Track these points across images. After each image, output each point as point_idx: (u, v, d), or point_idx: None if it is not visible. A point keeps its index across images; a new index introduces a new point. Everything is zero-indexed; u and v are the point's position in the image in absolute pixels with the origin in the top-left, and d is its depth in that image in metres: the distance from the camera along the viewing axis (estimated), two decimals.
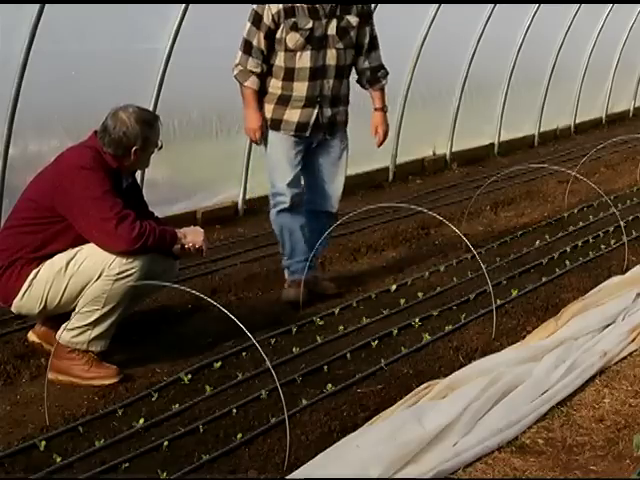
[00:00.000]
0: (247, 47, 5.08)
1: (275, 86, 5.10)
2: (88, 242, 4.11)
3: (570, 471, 3.49)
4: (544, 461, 3.54)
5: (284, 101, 5.10)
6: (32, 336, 4.47)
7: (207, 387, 4.08)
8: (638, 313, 4.97)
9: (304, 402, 3.92)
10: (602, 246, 6.45)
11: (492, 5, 9.50)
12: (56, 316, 4.26)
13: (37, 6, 5.44)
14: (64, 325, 4.10)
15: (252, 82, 5.11)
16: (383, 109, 5.42)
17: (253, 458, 3.49)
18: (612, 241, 6.53)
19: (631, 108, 13.76)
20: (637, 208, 7.60)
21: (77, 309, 4.07)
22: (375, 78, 5.34)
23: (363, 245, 6.53)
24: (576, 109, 12.05)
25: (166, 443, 3.57)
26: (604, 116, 12.94)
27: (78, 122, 5.90)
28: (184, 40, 6.49)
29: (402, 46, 8.69)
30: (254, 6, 5.05)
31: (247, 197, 7.48)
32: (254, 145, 7.34)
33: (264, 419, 3.78)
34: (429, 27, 8.73)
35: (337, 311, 5.12)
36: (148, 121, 4.24)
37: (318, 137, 5.22)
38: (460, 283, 5.65)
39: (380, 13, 7.93)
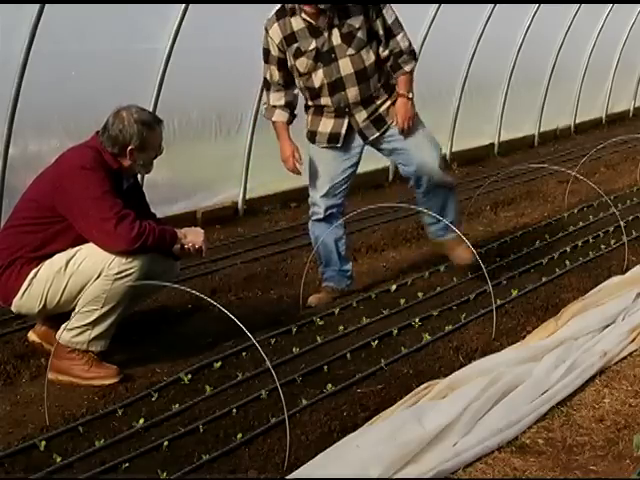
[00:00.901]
0: (265, 83, 5.13)
1: (308, 101, 5.13)
2: (88, 242, 4.12)
3: (570, 471, 3.49)
4: (544, 461, 3.54)
5: (319, 111, 5.11)
6: (32, 336, 4.47)
7: (207, 387, 4.08)
8: (638, 313, 4.97)
9: (304, 402, 3.92)
10: (602, 246, 6.45)
11: (492, 5, 9.50)
12: (56, 316, 4.26)
13: (37, 6, 5.44)
14: (64, 325, 4.10)
15: (278, 115, 5.14)
16: (405, 95, 5.12)
17: (253, 458, 3.49)
18: (612, 241, 6.53)
19: (631, 108, 13.77)
20: (637, 208, 7.60)
21: (77, 309, 4.08)
22: (396, 64, 5.10)
23: (363, 245, 6.54)
24: (576, 109, 12.05)
25: (166, 443, 3.56)
26: (604, 116, 12.94)
27: (78, 122, 5.91)
28: (184, 40, 6.49)
29: None
30: (263, 43, 5.05)
31: (247, 197, 7.49)
32: (254, 145, 7.40)
33: (264, 419, 3.78)
34: (429, 27, 8.74)
35: (337, 311, 5.12)
36: (147, 122, 4.23)
37: (362, 141, 5.16)
38: (460, 283, 5.64)
39: None
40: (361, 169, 8.32)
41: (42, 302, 4.15)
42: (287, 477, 3.31)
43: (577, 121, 12.18)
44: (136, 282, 4.04)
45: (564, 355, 4.37)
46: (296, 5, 4.85)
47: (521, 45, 10.29)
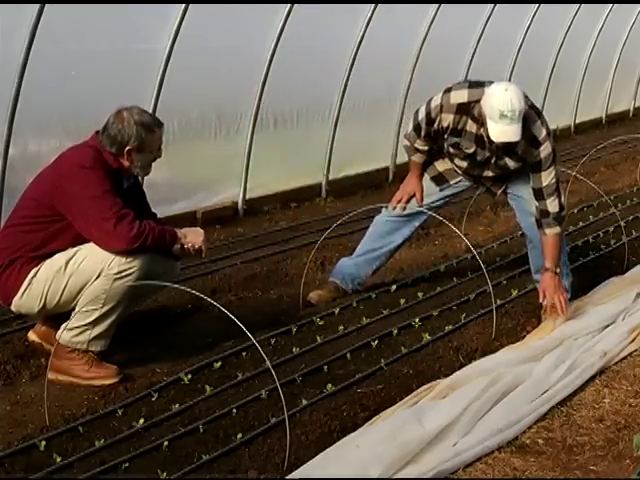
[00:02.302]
0: (418, 130, 5.07)
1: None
2: (88, 241, 4.11)
3: (570, 471, 3.49)
4: (544, 461, 3.54)
5: (449, 156, 5.15)
6: (32, 336, 4.47)
7: (207, 387, 4.08)
8: (638, 313, 4.98)
9: (304, 402, 3.92)
10: (602, 246, 6.45)
11: (492, 5, 9.50)
12: (56, 316, 4.26)
13: (37, 6, 5.43)
14: (64, 325, 4.10)
15: (417, 157, 5.20)
16: (552, 269, 4.86)
17: (253, 458, 3.49)
18: (612, 241, 6.53)
19: (631, 108, 13.77)
20: (637, 208, 7.60)
21: (77, 308, 4.07)
22: (539, 222, 4.95)
23: None
24: (576, 109, 12.05)
25: (166, 443, 3.56)
26: (604, 116, 12.94)
27: (78, 122, 5.91)
28: (184, 40, 6.49)
29: (402, 46, 8.70)
30: (432, 104, 4.95)
31: (247, 197, 7.48)
32: (254, 145, 7.39)
33: (264, 419, 3.78)
34: (429, 27, 8.73)
35: (337, 311, 5.11)
36: (147, 125, 4.21)
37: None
38: (460, 283, 5.65)
39: (379, 13, 7.95)
40: (361, 169, 8.44)
41: (42, 302, 4.15)
42: (287, 477, 3.31)
43: (577, 121, 12.18)
44: (136, 282, 4.04)
45: (564, 355, 4.38)
46: (484, 120, 4.67)
47: (521, 45, 10.28)
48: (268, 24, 7.20)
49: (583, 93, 11.95)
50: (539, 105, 10.98)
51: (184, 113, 6.94)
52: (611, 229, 6.83)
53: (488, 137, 4.70)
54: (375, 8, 7.90)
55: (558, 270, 4.88)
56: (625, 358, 4.53)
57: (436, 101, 4.93)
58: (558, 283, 4.87)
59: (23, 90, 5.57)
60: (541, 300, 4.91)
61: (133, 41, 6.55)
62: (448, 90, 4.91)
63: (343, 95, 8.07)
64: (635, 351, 4.59)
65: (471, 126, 4.83)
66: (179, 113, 6.86)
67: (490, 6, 9.50)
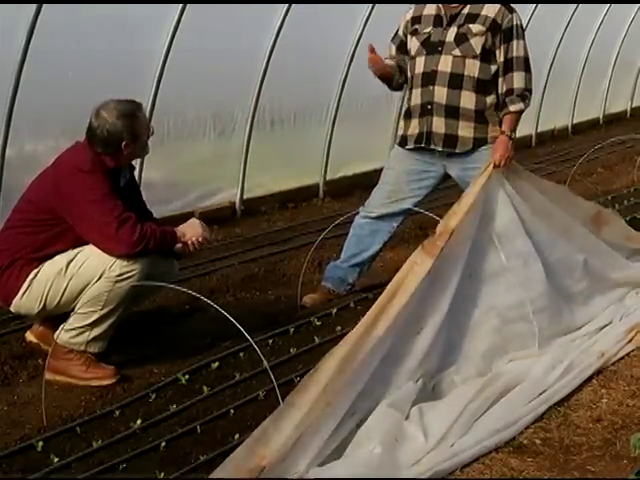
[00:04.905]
0: (394, 38, 5.19)
1: (406, 100, 5.18)
2: (89, 243, 4.11)
3: (567, 471, 3.49)
4: (541, 461, 3.54)
5: (408, 114, 5.12)
6: (30, 336, 4.47)
7: (205, 387, 4.08)
8: (635, 313, 4.98)
9: None
10: None
11: None
12: (54, 316, 4.25)
13: (34, 6, 5.43)
14: (62, 325, 4.09)
15: (388, 61, 5.14)
16: (505, 133, 4.89)
17: None
18: None
19: (628, 108, 13.78)
20: (635, 208, 7.60)
21: (76, 310, 4.07)
22: (503, 103, 4.93)
23: None
24: (573, 109, 12.06)
25: (164, 443, 3.57)
26: (601, 116, 12.95)
27: (75, 122, 5.87)
28: (181, 40, 6.49)
29: None
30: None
31: (245, 197, 7.48)
32: (252, 145, 7.39)
33: (261, 419, 3.74)
34: None
35: (334, 312, 5.11)
36: (130, 113, 4.20)
37: (438, 157, 5.07)
38: None
39: (377, 13, 7.95)
40: (360, 169, 8.43)
41: (42, 303, 4.14)
42: (286, 477, 3.30)
43: (574, 121, 12.18)
44: (135, 283, 4.04)
45: (561, 356, 4.38)
46: None
47: None
48: (266, 24, 7.20)
49: (580, 93, 11.96)
50: (536, 105, 11.07)
51: (181, 113, 6.94)
52: None
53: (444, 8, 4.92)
54: (373, 8, 7.90)
55: (513, 135, 4.91)
56: (622, 358, 4.53)
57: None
58: (510, 147, 4.83)
59: (20, 89, 5.57)
60: (492, 159, 4.81)
61: (131, 41, 6.54)
62: None
63: (341, 95, 8.07)
64: (632, 351, 4.60)
65: (429, 9, 5.02)
66: (177, 113, 6.86)
67: None
